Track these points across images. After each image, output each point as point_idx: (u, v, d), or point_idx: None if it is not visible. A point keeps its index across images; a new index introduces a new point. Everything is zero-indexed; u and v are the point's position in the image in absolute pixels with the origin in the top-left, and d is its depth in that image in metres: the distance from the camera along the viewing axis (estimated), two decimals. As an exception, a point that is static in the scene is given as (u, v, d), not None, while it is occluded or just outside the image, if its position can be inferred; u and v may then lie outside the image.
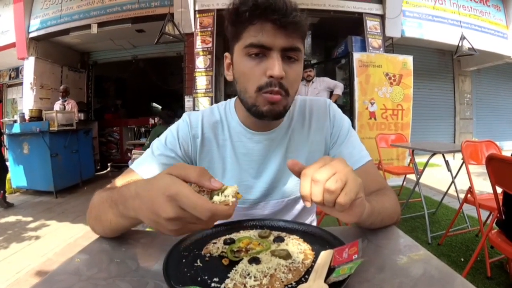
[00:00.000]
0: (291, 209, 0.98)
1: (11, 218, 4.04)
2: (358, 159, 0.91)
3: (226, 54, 0.88)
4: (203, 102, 5.25)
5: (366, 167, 0.90)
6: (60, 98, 6.26)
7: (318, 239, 0.70)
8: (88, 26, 6.10)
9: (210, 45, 5.32)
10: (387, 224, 0.78)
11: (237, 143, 0.93)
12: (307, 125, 0.97)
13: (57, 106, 6.08)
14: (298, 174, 0.56)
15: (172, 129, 0.96)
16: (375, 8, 5.88)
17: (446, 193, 3.61)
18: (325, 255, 0.58)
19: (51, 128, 5.14)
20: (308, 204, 0.54)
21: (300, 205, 0.98)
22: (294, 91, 0.82)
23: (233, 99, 0.99)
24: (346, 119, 1.00)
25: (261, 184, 0.94)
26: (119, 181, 0.87)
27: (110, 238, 0.76)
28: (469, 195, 2.46)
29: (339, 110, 1.01)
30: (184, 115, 0.98)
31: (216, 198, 0.52)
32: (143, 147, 5.13)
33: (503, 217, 1.73)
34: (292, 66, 0.79)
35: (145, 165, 0.89)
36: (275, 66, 0.74)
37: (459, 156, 2.78)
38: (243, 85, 0.81)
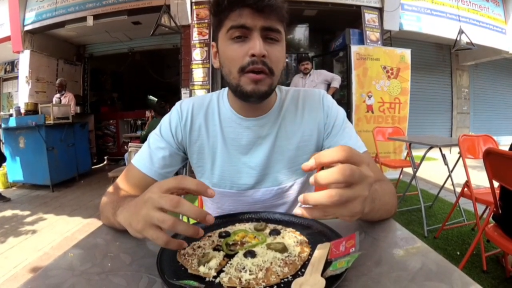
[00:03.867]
0: (282, 199, 0.98)
1: (8, 213, 4.03)
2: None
3: (213, 43, 0.90)
4: (200, 94, 5.21)
5: None
6: (57, 92, 6.21)
7: (314, 232, 0.70)
8: (83, 19, 6.04)
9: (206, 37, 5.29)
10: (384, 218, 0.78)
11: (227, 128, 0.95)
12: (300, 114, 0.97)
13: (55, 100, 6.04)
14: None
15: (165, 119, 0.99)
16: (373, 1, 5.85)
17: (442, 186, 3.62)
18: (322, 249, 0.58)
19: (47, 122, 5.11)
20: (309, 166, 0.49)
21: (291, 196, 0.99)
22: (278, 70, 0.84)
23: (227, 88, 1.00)
24: (341, 110, 1.00)
25: (249, 170, 0.95)
26: (122, 181, 0.93)
27: (104, 233, 0.76)
28: (465, 189, 2.47)
29: (334, 101, 1.01)
30: (176, 104, 1.01)
31: (201, 269, 0.54)
32: (140, 138, 5.12)
33: (500, 211, 1.74)
34: (274, 47, 0.81)
35: (144, 160, 0.94)
36: (256, 45, 0.77)
37: (455, 150, 2.78)
38: (228, 68, 0.83)
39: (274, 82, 0.84)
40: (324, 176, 0.46)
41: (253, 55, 0.77)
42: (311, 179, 0.48)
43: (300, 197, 0.48)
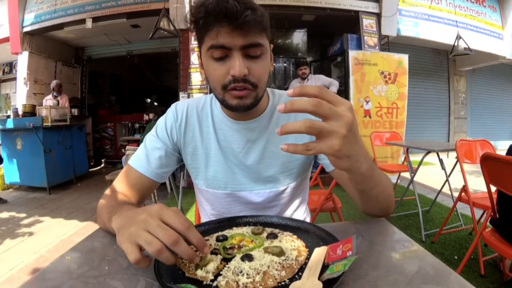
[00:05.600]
0: (275, 201, 0.99)
1: (4, 215, 4.01)
2: None
3: (198, 53, 0.90)
4: (197, 98, 5.22)
5: None
6: (54, 93, 6.17)
7: (312, 235, 0.70)
8: (82, 21, 6.04)
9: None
10: (382, 204, 0.78)
11: (220, 131, 0.96)
12: (293, 119, 0.96)
13: (49, 101, 5.97)
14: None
15: (161, 120, 1.01)
16: (371, 7, 5.88)
17: (440, 191, 3.63)
18: (319, 252, 0.58)
19: (44, 124, 5.09)
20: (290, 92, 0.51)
21: (284, 200, 0.99)
22: (263, 82, 0.83)
23: None
24: None
25: (242, 172, 0.95)
26: (119, 182, 0.93)
27: (101, 236, 0.76)
28: (463, 194, 2.47)
29: None
30: (172, 105, 1.02)
31: (199, 273, 0.54)
32: (139, 143, 5.10)
33: (497, 215, 1.74)
34: (257, 62, 0.80)
35: (141, 160, 0.95)
36: (236, 66, 0.76)
37: (453, 155, 2.79)
38: (212, 84, 0.84)
39: (259, 93, 0.84)
40: (294, 102, 0.49)
41: (233, 75, 0.77)
42: (280, 107, 0.50)
43: (278, 129, 0.50)
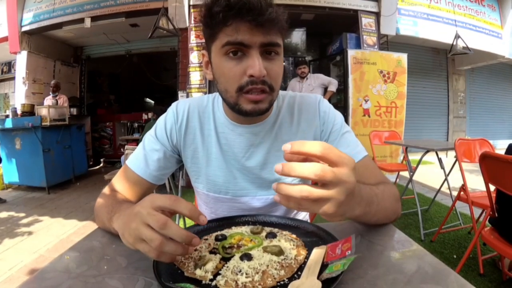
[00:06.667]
0: (277, 206, 0.96)
1: (3, 214, 4.01)
2: (354, 154, 0.87)
3: (204, 52, 0.86)
4: (197, 97, 5.22)
5: (363, 162, 0.88)
6: (50, 93, 6.16)
7: (311, 235, 0.70)
8: (81, 20, 6.02)
9: (204, 40, 5.28)
10: (382, 223, 0.77)
11: (221, 134, 0.92)
12: (296, 122, 0.94)
13: (49, 101, 5.96)
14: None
15: (161, 120, 0.97)
16: (370, 6, 5.87)
17: (439, 190, 3.63)
18: (318, 252, 0.58)
19: (43, 123, 5.08)
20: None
21: None
22: (278, 85, 0.80)
23: None
24: (338, 115, 0.97)
25: (244, 177, 0.93)
26: (118, 182, 0.92)
27: (100, 235, 0.76)
28: (462, 193, 2.47)
29: (331, 107, 0.98)
30: (172, 105, 0.98)
31: (198, 272, 0.54)
32: (138, 142, 5.10)
33: (496, 214, 1.74)
34: (274, 62, 0.76)
35: (139, 162, 0.92)
36: (255, 65, 0.71)
37: (452, 154, 2.79)
38: (223, 86, 0.78)
39: (274, 97, 0.80)
40: (295, 168, 0.45)
41: (252, 76, 0.72)
42: (277, 167, 0.46)
43: (274, 185, 0.48)
